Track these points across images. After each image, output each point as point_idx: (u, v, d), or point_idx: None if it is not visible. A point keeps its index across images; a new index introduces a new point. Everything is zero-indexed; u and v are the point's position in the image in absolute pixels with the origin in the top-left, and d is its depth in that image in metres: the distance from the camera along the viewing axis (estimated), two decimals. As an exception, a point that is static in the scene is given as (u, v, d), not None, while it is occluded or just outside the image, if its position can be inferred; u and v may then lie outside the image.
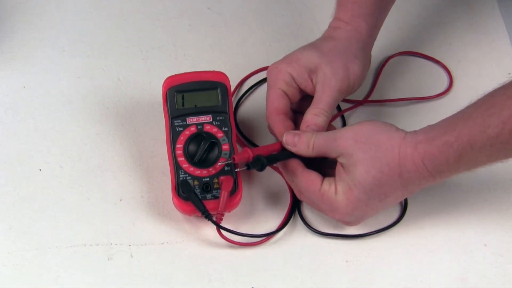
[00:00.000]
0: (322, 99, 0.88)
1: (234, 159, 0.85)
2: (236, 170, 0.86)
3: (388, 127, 0.82)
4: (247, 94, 0.99)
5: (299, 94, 0.90)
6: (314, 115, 0.87)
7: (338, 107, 0.98)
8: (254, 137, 0.95)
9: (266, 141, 0.92)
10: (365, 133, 0.82)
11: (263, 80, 1.00)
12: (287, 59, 0.90)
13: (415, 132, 0.81)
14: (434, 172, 0.79)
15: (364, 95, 1.00)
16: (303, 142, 0.84)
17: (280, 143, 0.87)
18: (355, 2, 0.91)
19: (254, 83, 1.00)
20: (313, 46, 0.91)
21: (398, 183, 0.81)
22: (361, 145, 0.81)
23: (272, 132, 0.89)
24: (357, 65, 0.89)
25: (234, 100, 0.98)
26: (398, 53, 1.03)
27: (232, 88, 0.97)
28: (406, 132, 0.81)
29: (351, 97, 0.95)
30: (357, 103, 0.98)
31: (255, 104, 0.98)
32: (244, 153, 0.85)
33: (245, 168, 0.85)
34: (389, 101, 0.99)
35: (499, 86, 0.78)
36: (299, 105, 0.91)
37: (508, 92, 0.76)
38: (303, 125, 0.87)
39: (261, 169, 0.85)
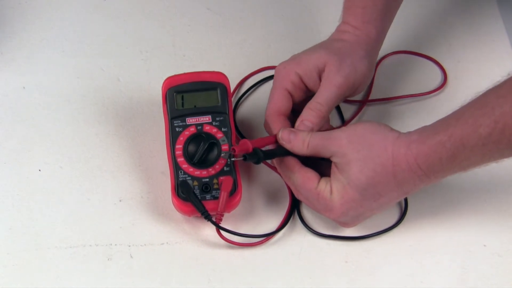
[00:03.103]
0: (322, 93, 0.88)
1: (234, 150, 0.85)
2: (233, 159, 0.86)
3: (382, 127, 0.82)
4: (246, 94, 0.99)
5: (304, 94, 0.90)
6: (309, 110, 0.87)
7: (341, 115, 0.98)
8: (253, 137, 0.95)
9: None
10: (359, 133, 0.82)
11: (263, 80, 1.00)
12: (296, 59, 0.90)
13: (408, 132, 0.81)
14: (428, 172, 0.79)
15: (362, 96, 1.00)
16: (298, 140, 0.85)
17: (275, 136, 0.87)
18: (364, 8, 0.91)
19: (254, 83, 1.00)
20: (322, 45, 0.91)
21: (393, 183, 0.81)
22: (355, 145, 0.81)
23: (268, 131, 0.89)
24: (365, 65, 0.90)
25: (233, 100, 0.98)
26: (391, 52, 1.03)
27: (232, 89, 0.97)
28: (400, 133, 0.81)
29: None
30: (361, 103, 0.99)
31: (254, 105, 0.98)
32: (243, 145, 0.85)
33: (241, 159, 0.85)
34: (390, 99, 1.00)
35: (492, 85, 0.78)
36: (303, 104, 0.90)
37: (500, 91, 0.76)
38: (298, 120, 0.87)
39: (258, 162, 0.85)
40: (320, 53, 0.89)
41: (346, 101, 0.98)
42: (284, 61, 0.91)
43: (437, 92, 1.00)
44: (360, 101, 0.99)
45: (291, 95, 0.89)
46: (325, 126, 0.90)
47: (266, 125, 0.90)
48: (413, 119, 0.97)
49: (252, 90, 1.00)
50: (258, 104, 0.98)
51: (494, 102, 0.75)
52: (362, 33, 0.91)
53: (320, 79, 0.89)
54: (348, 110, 0.99)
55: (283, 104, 0.89)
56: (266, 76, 1.00)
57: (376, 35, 0.91)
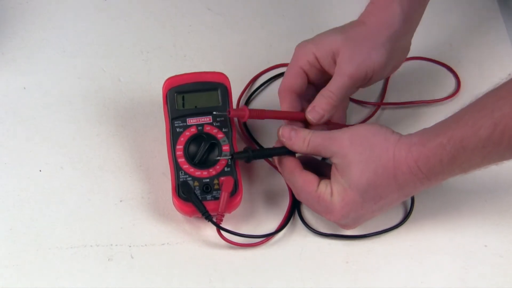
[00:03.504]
0: (334, 82, 0.87)
1: (229, 112, 0.86)
2: (218, 158, 0.87)
3: (383, 130, 0.82)
4: (257, 91, 0.99)
5: (322, 75, 0.90)
6: (321, 97, 0.87)
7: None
8: (262, 136, 0.95)
9: (273, 141, 0.91)
10: (360, 134, 0.82)
11: (273, 78, 0.99)
12: (316, 39, 0.90)
13: (409, 135, 0.81)
14: (428, 174, 0.79)
15: (376, 98, 1.00)
16: (299, 138, 0.85)
17: (277, 111, 0.89)
18: None
19: (263, 81, 1.00)
20: (341, 29, 0.90)
21: (393, 185, 0.80)
22: (356, 147, 0.81)
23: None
24: (381, 54, 0.88)
25: (244, 97, 0.98)
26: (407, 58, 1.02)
27: (243, 86, 0.98)
28: (401, 135, 0.81)
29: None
30: (377, 105, 0.99)
31: (265, 102, 0.98)
32: (240, 111, 0.86)
33: (229, 157, 0.86)
34: (404, 104, 0.99)
35: (492, 87, 0.78)
36: (322, 86, 0.89)
37: (499, 93, 0.76)
38: (309, 106, 0.88)
39: (248, 160, 0.86)
40: (336, 38, 0.88)
41: (360, 102, 0.98)
42: (306, 39, 0.91)
43: (449, 99, 1.00)
44: (374, 103, 0.99)
45: (307, 74, 0.89)
46: (339, 120, 0.91)
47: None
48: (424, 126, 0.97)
49: (263, 87, 0.99)
50: (268, 102, 0.97)
51: (493, 104, 0.75)
52: (386, 15, 0.88)
53: (334, 63, 0.88)
54: (360, 111, 0.99)
55: (296, 82, 0.89)
56: (275, 74, 1.00)
57: (402, 16, 0.88)
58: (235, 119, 0.95)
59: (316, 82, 0.91)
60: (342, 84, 0.87)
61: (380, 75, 0.90)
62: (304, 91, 0.90)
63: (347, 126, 0.90)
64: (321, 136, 0.84)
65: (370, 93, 0.99)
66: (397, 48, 0.90)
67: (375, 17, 0.89)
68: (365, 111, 0.99)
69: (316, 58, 0.89)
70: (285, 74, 0.90)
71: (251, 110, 0.87)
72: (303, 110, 0.89)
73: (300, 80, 0.89)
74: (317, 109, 0.87)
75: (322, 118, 0.87)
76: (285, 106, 0.89)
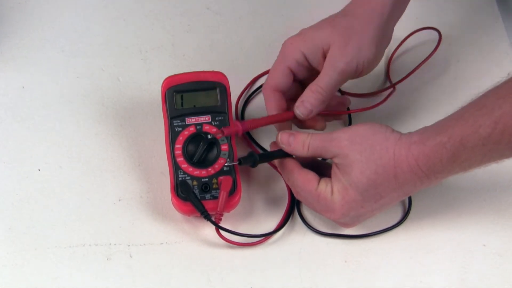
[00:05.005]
0: (324, 77, 0.87)
1: (223, 132, 0.86)
2: (226, 164, 0.87)
3: (383, 128, 0.82)
4: (256, 92, 0.99)
5: (308, 72, 0.90)
6: (310, 92, 0.87)
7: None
8: (260, 135, 0.95)
9: (271, 140, 0.91)
10: (360, 134, 0.82)
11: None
12: (302, 35, 0.89)
13: (409, 133, 0.81)
14: (428, 173, 0.79)
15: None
16: (298, 142, 0.84)
17: (269, 117, 0.88)
18: None
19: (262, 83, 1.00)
20: (330, 23, 0.89)
21: (394, 184, 0.80)
22: (356, 146, 0.81)
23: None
24: (371, 49, 0.88)
25: (244, 98, 0.98)
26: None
27: (242, 86, 0.98)
28: (401, 134, 0.81)
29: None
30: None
31: (263, 103, 0.98)
32: (233, 127, 0.86)
33: (236, 163, 0.85)
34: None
35: (492, 86, 0.78)
36: (307, 82, 0.89)
37: (499, 92, 0.76)
38: (298, 100, 0.88)
39: (254, 165, 0.85)
40: (326, 32, 0.88)
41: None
42: (292, 36, 0.90)
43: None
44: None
45: (294, 73, 0.89)
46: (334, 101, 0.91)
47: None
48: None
49: (261, 89, 0.99)
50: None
51: (493, 103, 0.75)
52: (377, 4, 0.88)
53: (324, 59, 0.88)
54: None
55: (282, 81, 0.89)
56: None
57: (392, 2, 0.88)
58: (243, 117, 0.95)
59: (302, 79, 0.91)
60: (332, 81, 0.87)
61: (370, 68, 0.90)
62: (289, 89, 0.90)
63: (334, 113, 0.91)
64: (320, 138, 0.84)
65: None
66: (385, 38, 0.90)
67: (364, 8, 0.88)
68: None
69: (304, 56, 0.89)
70: (270, 71, 0.90)
71: (243, 123, 0.87)
72: (288, 108, 0.89)
73: (286, 79, 0.89)
74: (305, 104, 0.87)
75: (311, 113, 0.88)
76: (271, 105, 0.89)
